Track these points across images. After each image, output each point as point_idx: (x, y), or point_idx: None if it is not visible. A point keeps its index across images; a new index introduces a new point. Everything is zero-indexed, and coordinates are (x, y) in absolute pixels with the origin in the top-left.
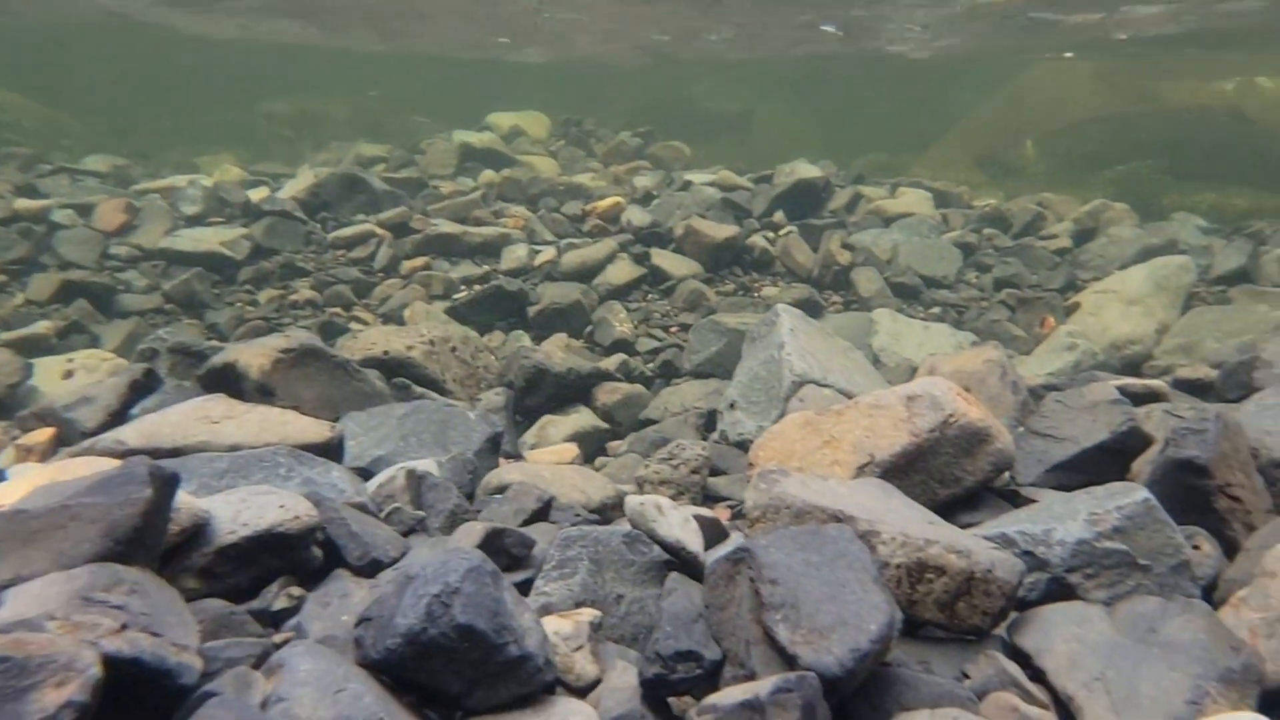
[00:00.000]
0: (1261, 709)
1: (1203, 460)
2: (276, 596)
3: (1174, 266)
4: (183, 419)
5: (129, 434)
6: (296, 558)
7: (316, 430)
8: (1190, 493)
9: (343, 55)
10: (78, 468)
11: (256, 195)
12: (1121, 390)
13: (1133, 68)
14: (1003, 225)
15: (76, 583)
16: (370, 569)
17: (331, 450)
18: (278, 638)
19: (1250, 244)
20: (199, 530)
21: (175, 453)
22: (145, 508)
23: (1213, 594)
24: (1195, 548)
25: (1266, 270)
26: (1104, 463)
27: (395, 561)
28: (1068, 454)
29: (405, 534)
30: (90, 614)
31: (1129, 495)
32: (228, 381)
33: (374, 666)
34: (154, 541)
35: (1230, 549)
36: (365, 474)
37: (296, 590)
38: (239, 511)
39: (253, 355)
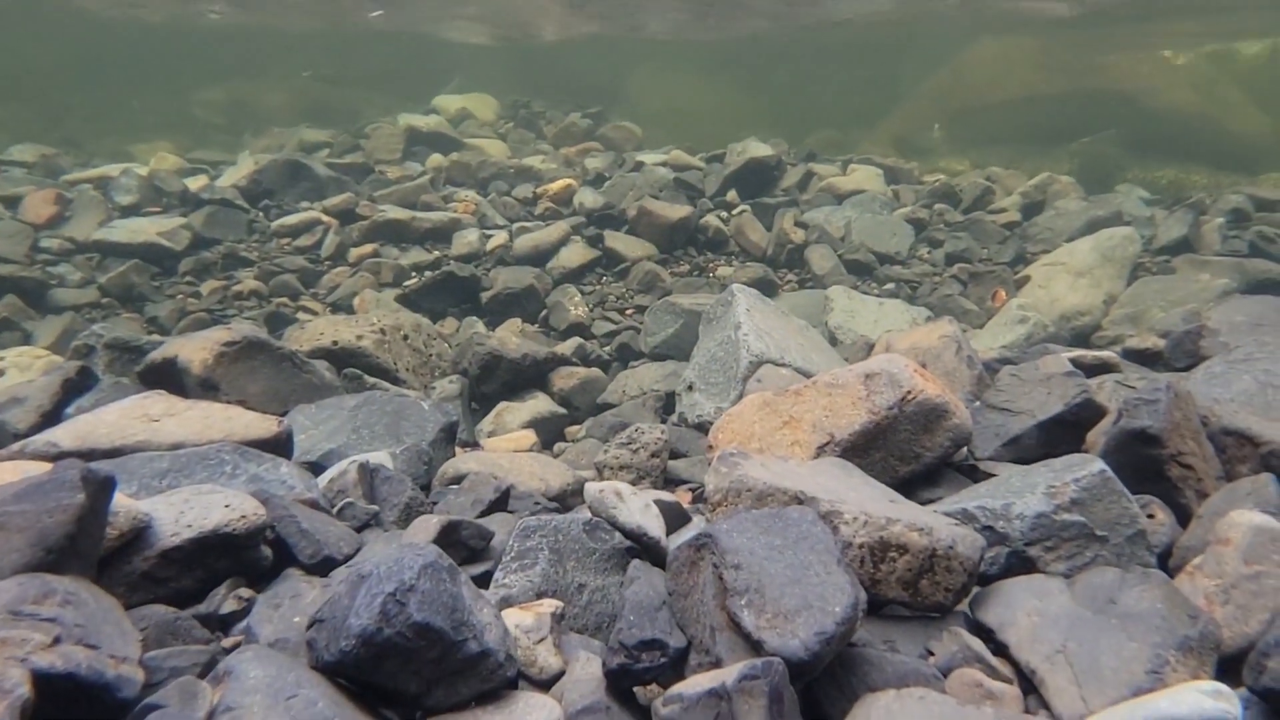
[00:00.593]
0: (1219, 675)
1: (1155, 430)
2: (224, 599)
3: (1119, 238)
4: (120, 418)
5: (62, 435)
6: (245, 558)
7: (263, 425)
8: (1144, 462)
9: (274, 35)
10: (6, 473)
11: (195, 184)
12: (1074, 362)
13: (1079, 43)
14: (953, 200)
15: (3, 596)
16: (323, 567)
17: (280, 445)
18: (227, 643)
19: (1191, 214)
20: (139, 534)
21: (113, 453)
22: (78, 513)
23: (1168, 562)
24: (1150, 516)
25: (1207, 239)
26: (1060, 435)
27: (349, 559)
28: (1024, 427)
29: (359, 529)
30: (19, 629)
31: (1085, 467)
32: (168, 377)
33: (328, 670)
34: (89, 549)
35: (1183, 517)
36: (316, 468)
37: (246, 592)
38: (182, 513)
39: (194, 349)
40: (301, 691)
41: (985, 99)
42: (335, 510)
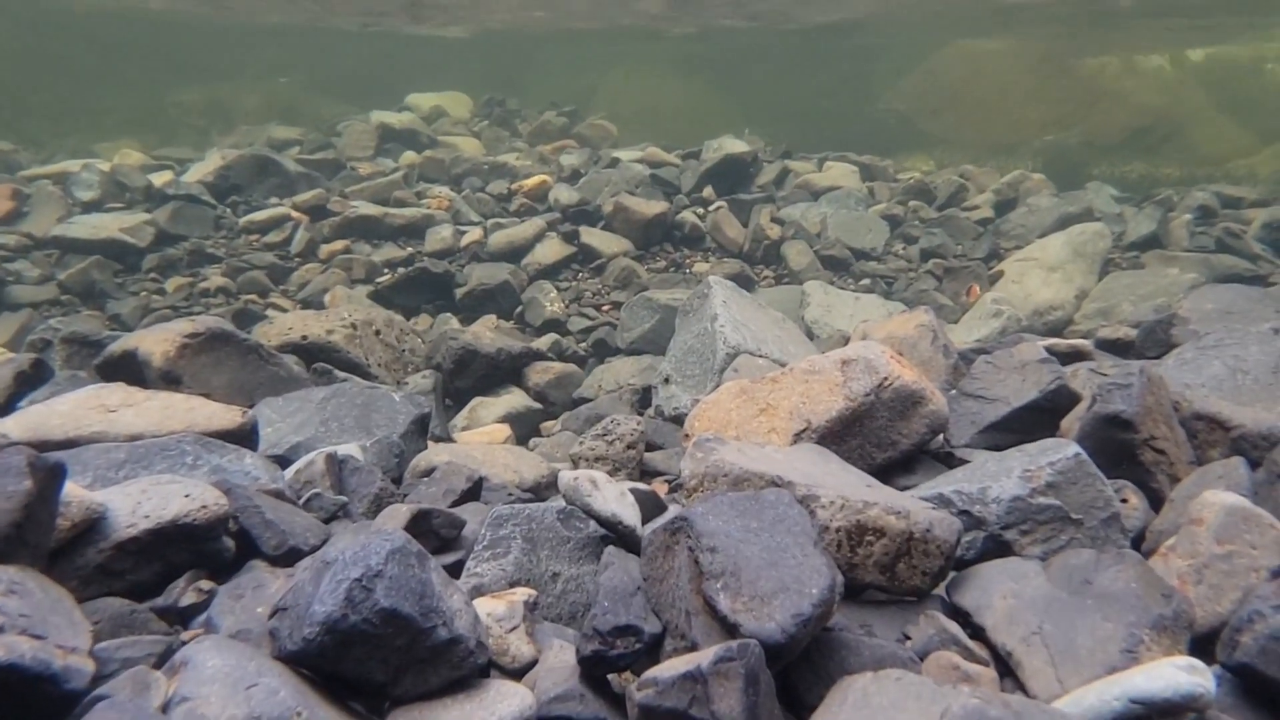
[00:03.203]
0: (1193, 653)
1: (1129, 414)
2: (184, 592)
3: (1090, 233)
4: (74, 408)
5: (11, 426)
6: (206, 550)
7: (227, 416)
8: (1118, 447)
9: (251, 33)
10: None
11: (159, 179)
12: (1048, 350)
13: (1051, 45)
14: (927, 197)
15: None
16: (288, 558)
17: (244, 437)
18: (186, 635)
19: (1160, 210)
20: (94, 525)
21: (67, 444)
22: (24, 501)
23: (1141, 545)
24: (1124, 500)
25: (1175, 235)
26: (1035, 421)
27: (316, 549)
28: (1000, 414)
29: (326, 520)
30: None
31: (1060, 451)
32: (128, 370)
33: (291, 659)
34: (38, 538)
35: (1156, 501)
36: (284, 461)
37: (207, 584)
38: (139, 503)
39: (155, 341)
40: (263, 680)
41: (956, 99)
42: (302, 501)
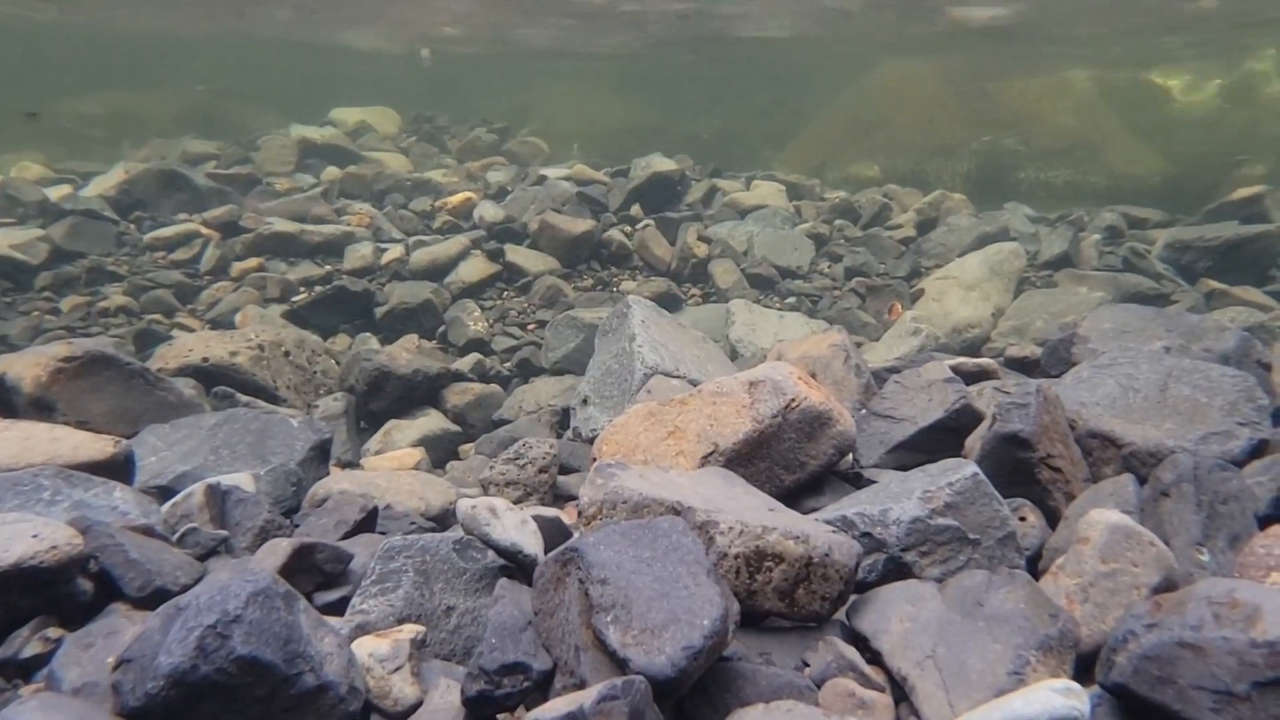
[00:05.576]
0: (1079, 673)
1: (1026, 433)
2: (27, 641)
3: (1006, 252)
4: None
5: None
6: (57, 594)
7: (96, 446)
8: (1017, 465)
9: (165, 42)
10: None
11: (56, 194)
12: (954, 369)
13: (975, 67)
14: (852, 216)
15: None
16: (154, 600)
17: (117, 468)
18: (26, 691)
19: (1071, 230)
20: None
21: None
22: None
23: (1038, 564)
24: (1021, 518)
25: (1085, 254)
26: (940, 441)
27: (188, 589)
28: (906, 434)
29: (202, 557)
30: None
31: (959, 471)
32: None
33: (133, 716)
34: None
35: (1053, 518)
36: (168, 493)
37: (55, 632)
38: None
39: (26, 365)
40: None
41: (889, 117)
42: (175, 537)
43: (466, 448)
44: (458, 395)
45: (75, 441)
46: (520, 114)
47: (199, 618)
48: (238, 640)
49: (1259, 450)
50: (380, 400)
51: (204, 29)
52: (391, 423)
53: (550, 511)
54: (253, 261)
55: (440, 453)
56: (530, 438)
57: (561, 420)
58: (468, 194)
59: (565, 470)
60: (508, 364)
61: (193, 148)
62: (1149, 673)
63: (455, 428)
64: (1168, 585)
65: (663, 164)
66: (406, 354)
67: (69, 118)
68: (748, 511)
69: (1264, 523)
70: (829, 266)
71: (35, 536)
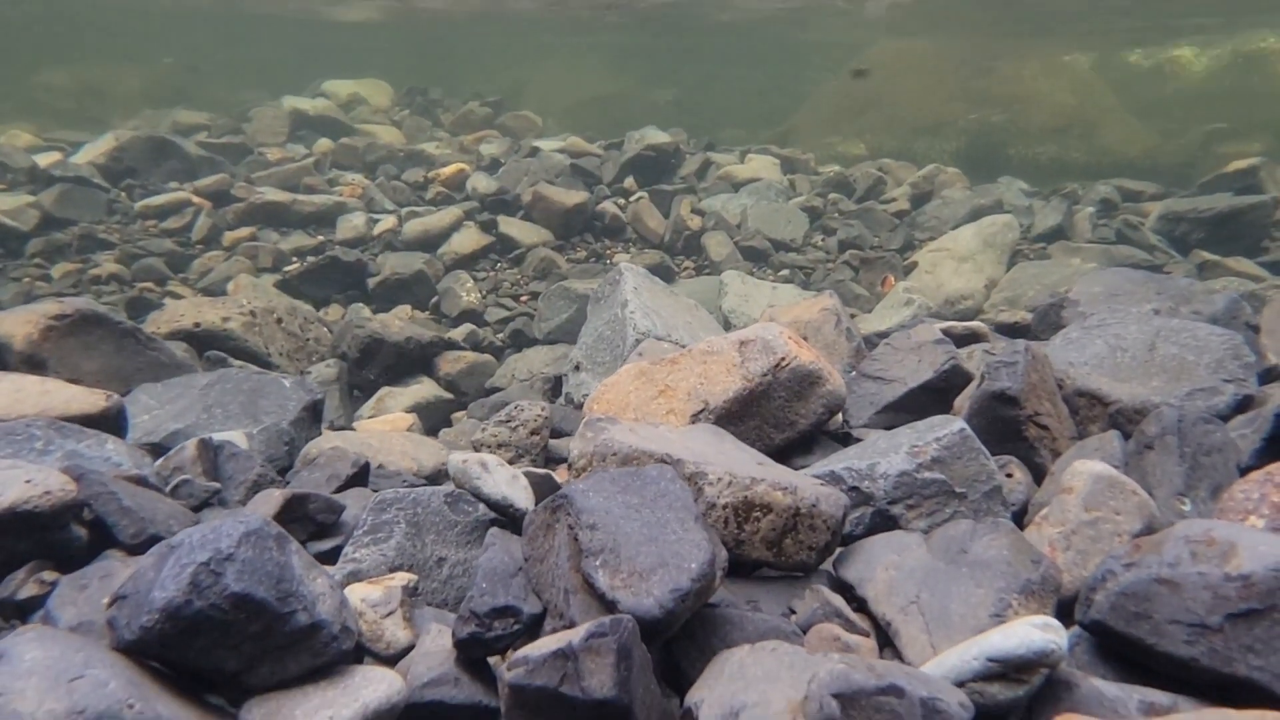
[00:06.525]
0: (1060, 616)
1: (1013, 391)
2: (23, 584)
3: (999, 225)
4: None
5: None
6: (51, 539)
7: (88, 399)
8: (1004, 423)
9: (136, 14)
10: None
11: (46, 160)
12: (945, 332)
13: (974, 45)
14: (846, 190)
15: None
16: (148, 547)
17: (109, 422)
18: (23, 629)
19: (1065, 204)
20: None
21: None
22: None
23: (1023, 518)
24: (1008, 475)
25: (1079, 227)
26: (929, 401)
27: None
28: (896, 394)
29: (196, 508)
30: None
31: (946, 427)
32: None
33: (129, 649)
34: None
35: (1040, 475)
36: (160, 449)
37: (50, 575)
38: None
39: (17, 323)
40: (89, 672)
41: (885, 95)
42: (169, 488)
43: (459, 415)
44: (450, 363)
45: (67, 395)
46: (517, 90)
47: (192, 555)
48: (230, 577)
49: (1244, 405)
50: (373, 367)
51: (182, 2)
52: (384, 390)
53: (541, 470)
54: (245, 231)
55: (433, 420)
56: (521, 401)
57: (554, 388)
58: (460, 165)
59: (557, 434)
60: (500, 335)
61: (183, 118)
62: (1126, 609)
63: (448, 395)
64: (1149, 532)
65: (657, 137)
66: (399, 322)
67: (39, 89)
68: (737, 464)
69: (1245, 473)
70: (823, 239)
71: (29, 481)
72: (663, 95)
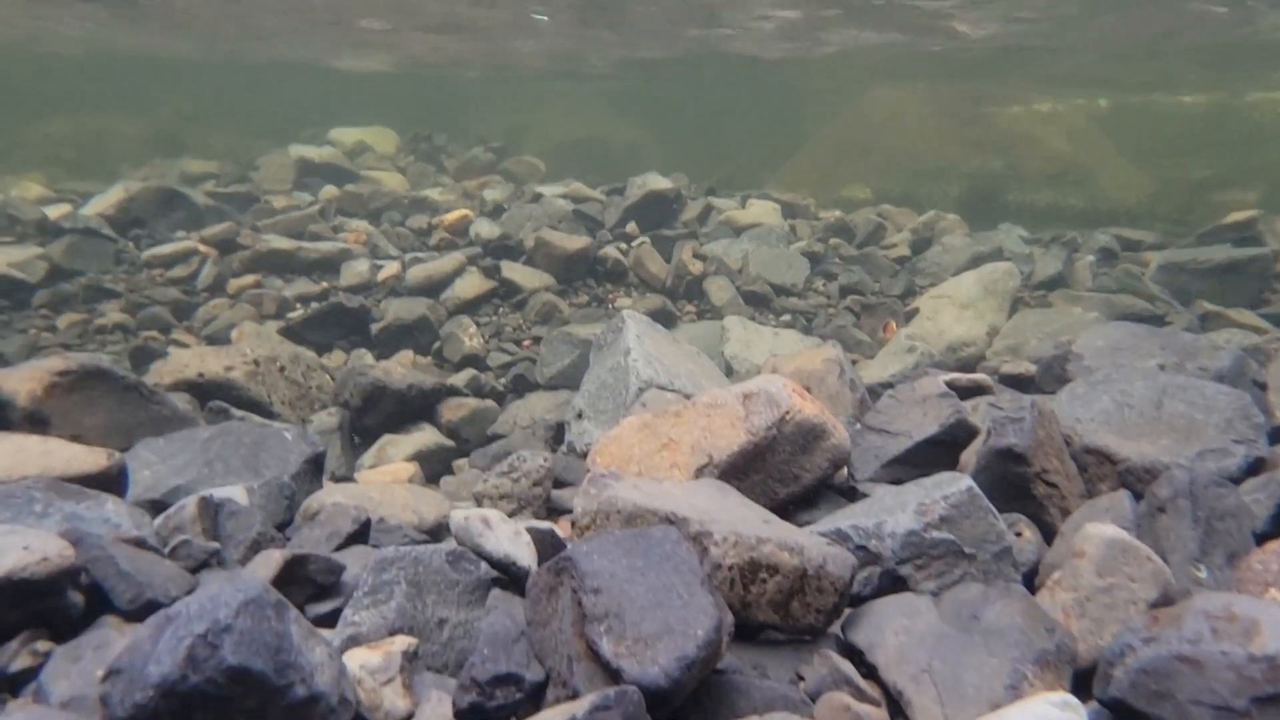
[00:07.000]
0: (1075, 687)
1: (1021, 448)
2: (16, 655)
3: (1000, 272)
4: None
5: None
6: (48, 607)
7: (89, 459)
8: (1012, 480)
9: (136, 64)
10: None
11: (55, 212)
12: (949, 384)
13: (965, 91)
14: (847, 235)
15: None
16: (146, 612)
17: (110, 481)
18: (14, 705)
19: (1065, 251)
20: None
21: None
22: None
23: (1035, 578)
24: (1018, 534)
25: (1079, 275)
26: (935, 455)
27: (178, 601)
28: (902, 448)
29: (194, 569)
30: None
31: (954, 485)
32: None
33: None
34: None
35: (1049, 533)
36: (161, 506)
37: (44, 645)
38: None
39: (20, 380)
40: None
41: (882, 139)
42: (168, 550)
43: (461, 463)
44: (452, 410)
45: (68, 454)
46: (518, 134)
47: (189, 626)
48: (228, 649)
49: (1255, 468)
50: (375, 415)
51: (181, 51)
52: (386, 438)
53: (544, 524)
54: (249, 278)
55: (435, 468)
56: (523, 451)
57: (556, 435)
58: (463, 211)
59: (559, 484)
60: (503, 380)
61: (192, 167)
62: (1146, 687)
63: (450, 443)
64: (1165, 601)
65: (658, 182)
66: (401, 369)
67: (38, 138)
68: (742, 523)
69: (1262, 540)
70: (824, 284)
71: (26, 548)
72: (654, 137)
